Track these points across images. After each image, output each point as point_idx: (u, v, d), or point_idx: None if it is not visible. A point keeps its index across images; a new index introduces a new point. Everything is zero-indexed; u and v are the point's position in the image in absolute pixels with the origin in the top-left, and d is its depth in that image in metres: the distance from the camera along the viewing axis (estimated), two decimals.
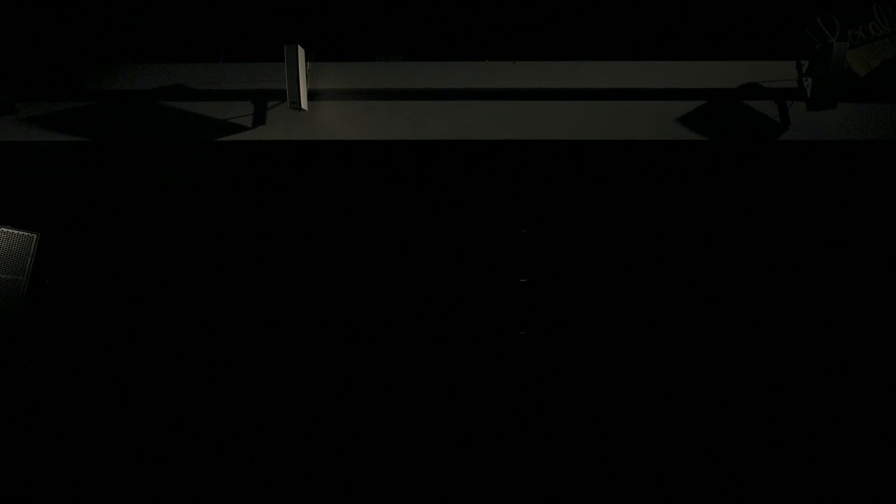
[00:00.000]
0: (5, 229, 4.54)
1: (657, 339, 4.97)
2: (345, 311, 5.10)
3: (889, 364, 4.76)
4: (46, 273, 5.11)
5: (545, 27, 5.65)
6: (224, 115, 5.19)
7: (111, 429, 4.74)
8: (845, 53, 4.76)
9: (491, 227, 5.26)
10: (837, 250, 5.06)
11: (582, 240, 5.22)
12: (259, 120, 5.19)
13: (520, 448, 4.64)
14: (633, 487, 4.41)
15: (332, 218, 5.30)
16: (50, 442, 4.67)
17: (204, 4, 5.73)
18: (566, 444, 4.66)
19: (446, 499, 4.33)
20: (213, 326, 5.06)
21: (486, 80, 5.20)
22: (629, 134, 5.10)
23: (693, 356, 4.91)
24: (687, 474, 4.48)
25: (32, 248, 4.73)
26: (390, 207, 5.32)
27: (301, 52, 4.85)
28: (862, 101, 5.08)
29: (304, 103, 4.97)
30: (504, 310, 5.09)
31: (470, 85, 5.20)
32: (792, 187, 5.20)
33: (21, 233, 4.66)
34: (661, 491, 4.39)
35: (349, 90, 5.24)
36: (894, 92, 5.08)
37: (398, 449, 4.64)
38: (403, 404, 4.84)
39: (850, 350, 4.83)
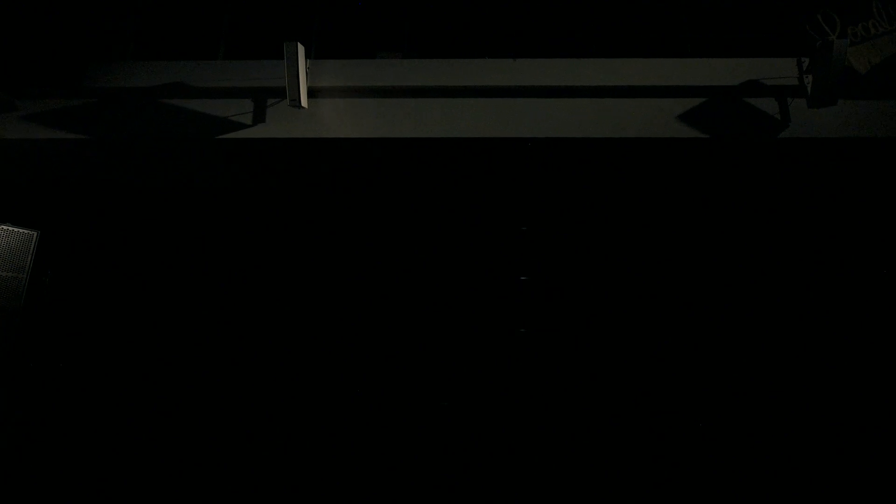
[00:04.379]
0: (5, 227, 4.54)
1: (657, 337, 4.97)
2: (345, 308, 5.10)
3: (889, 364, 4.75)
4: (46, 271, 5.11)
5: (545, 24, 5.64)
6: (224, 112, 5.18)
7: (112, 427, 4.74)
8: (846, 51, 4.74)
9: (491, 224, 5.26)
10: (838, 248, 5.06)
11: (582, 237, 5.22)
12: (259, 118, 5.18)
13: (520, 445, 4.64)
14: (634, 486, 4.42)
15: (333, 215, 5.30)
16: (50, 440, 4.67)
17: (204, 2, 5.72)
18: (566, 442, 4.66)
19: (447, 497, 4.33)
20: (214, 324, 5.06)
21: (487, 77, 5.19)
22: (629, 131, 5.09)
23: (693, 355, 4.91)
24: (687, 473, 4.48)
25: (32, 245, 4.73)
26: (390, 205, 5.31)
27: (301, 49, 4.84)
28: (862, 98, 5.07)
29: (304, 101, 4.95)
30: (504, 307, 5.08)
31: (470, 82, 5.19)
32: (792, 184, 5.20)
33: (21, 230, 4.66)
34: (662, 490, 4.39)
35: (349, 88, 5.23)
36: (895, 89, 5.07)
37: (398, 446, 4.64)
38: (403, 401, 4.84)
39: (849, 349, 4.83)
